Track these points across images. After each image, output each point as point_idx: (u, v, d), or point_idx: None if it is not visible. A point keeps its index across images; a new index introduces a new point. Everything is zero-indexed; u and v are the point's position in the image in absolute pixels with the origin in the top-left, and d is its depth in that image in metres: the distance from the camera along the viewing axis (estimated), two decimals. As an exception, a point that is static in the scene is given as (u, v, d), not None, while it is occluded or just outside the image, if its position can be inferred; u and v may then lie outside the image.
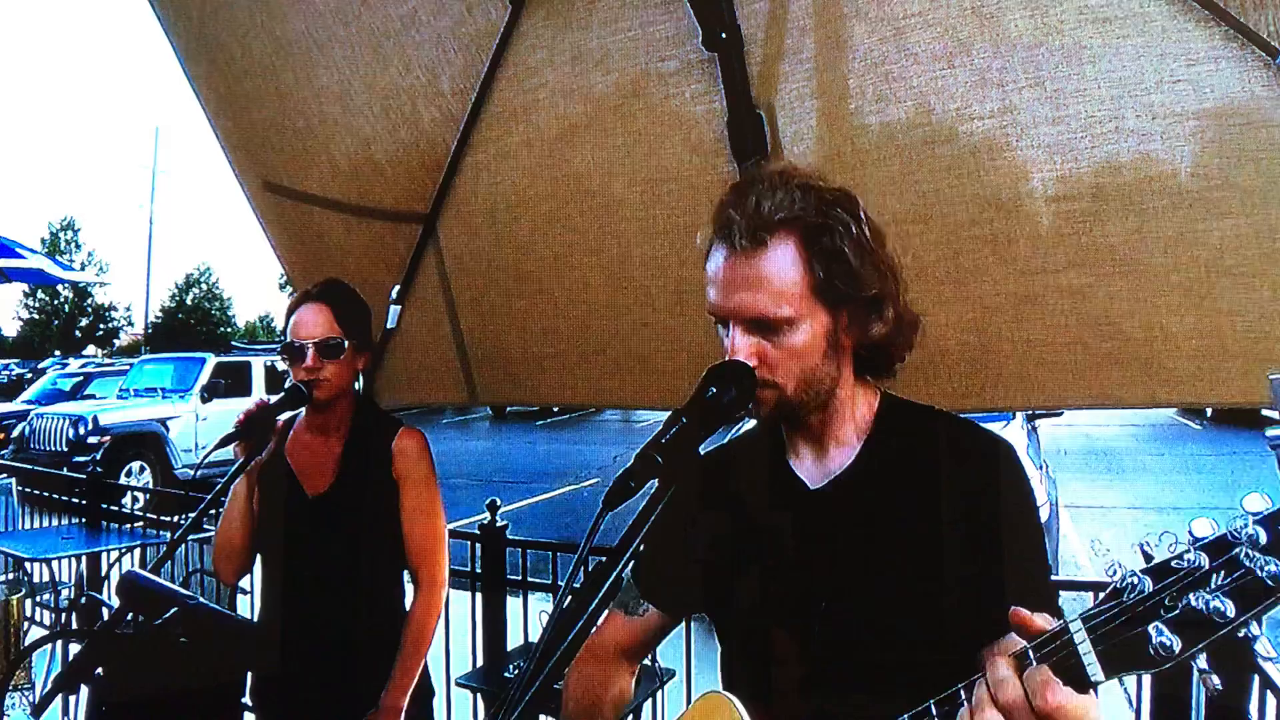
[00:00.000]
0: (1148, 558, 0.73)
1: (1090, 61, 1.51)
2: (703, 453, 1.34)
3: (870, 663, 1.03)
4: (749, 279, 1.04)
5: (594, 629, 1.34)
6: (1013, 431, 6.54)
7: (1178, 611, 0.69)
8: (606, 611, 1.35)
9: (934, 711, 0.85)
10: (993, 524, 1.03)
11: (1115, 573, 0.73)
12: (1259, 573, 0.66)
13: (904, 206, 1.73)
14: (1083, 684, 0.73)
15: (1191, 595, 0.68)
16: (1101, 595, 0.74)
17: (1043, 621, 0.77)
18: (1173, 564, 0.71)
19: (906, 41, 1.61)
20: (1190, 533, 0.71)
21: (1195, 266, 1.58)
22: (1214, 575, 0.68)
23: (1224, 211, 1.52)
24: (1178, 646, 0.68)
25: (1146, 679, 2.27)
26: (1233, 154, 1.48)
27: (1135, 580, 0.71)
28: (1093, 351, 1.72)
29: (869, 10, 1.63)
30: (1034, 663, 0.75)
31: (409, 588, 2.13)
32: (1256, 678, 1.95)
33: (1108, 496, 10.29)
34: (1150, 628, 0.69)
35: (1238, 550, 0.67)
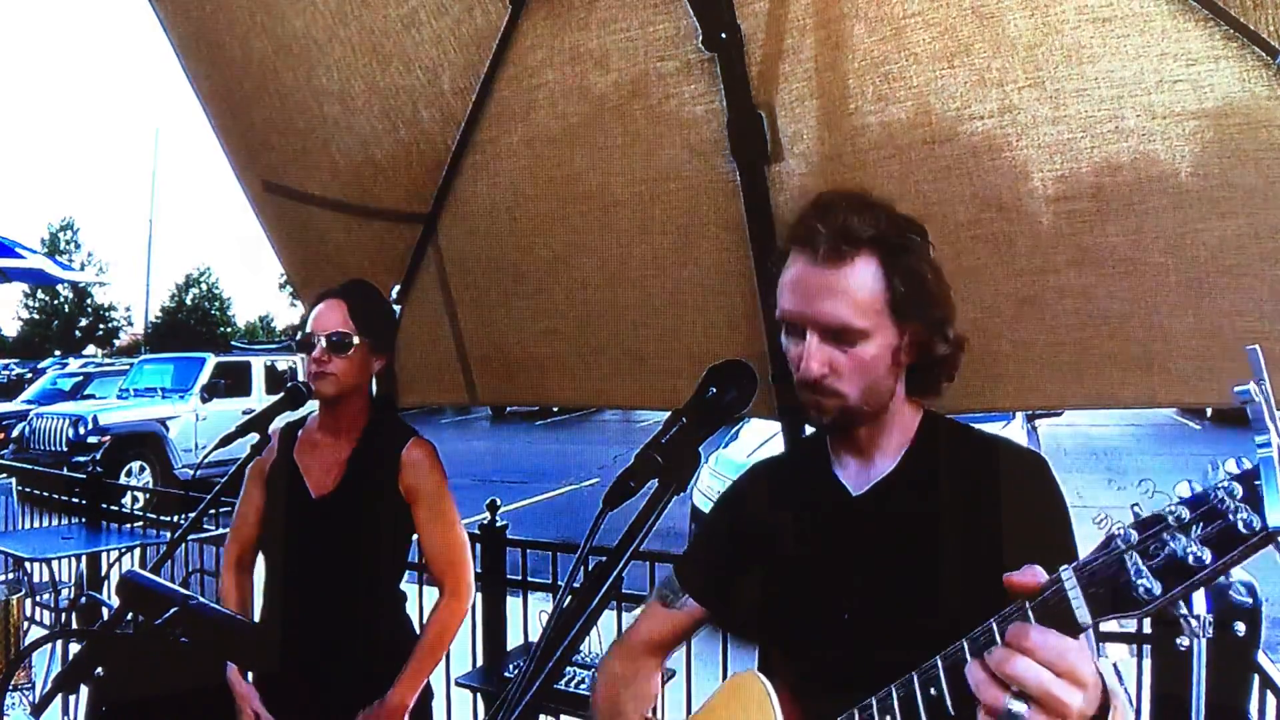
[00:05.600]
0: (1137, 515, 0.78)
1: (1090, 61, 1.50)
2: (756, 462, 1.40)
3: (896, 664, 1.04)
4: (833, 288, 1.09)
5: (630, 624, 1.39)
6: (1013, 431, 6.54)
7: (1161, 558, 0.74)
8: (645, 604, 1.41)
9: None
10: (1025, 536, 1.04)
11: (1105, 523, 0.78)
12: (1232, 518, 0.71)
13: (904, 206, 1.71)
14: (1072, 627, 0.78)
15: (1172, 542, 0.73)
16: (1094, 547, 0.80)
17: (1031, 576, 0.82)
18: (1156, 516, 0.76)
19: (906, 41, 1.61)
20: (1175, 493, 0.77)
21: (1195, 266, 1.57)
22: (1195, 525, 0.73)
23: (1224, 211, 1.52)
24: (1158, 589, 0.73)
25: (1147, 679, 2.27)
26: (1233, 154, 1.47)
27: (1121, 530, 0.77)
28: (1093, 351, 1.72)
29: (869, 10, 1.62)
30: (1029, 611, 0.80)
31: (408, 591, 2.13)
32: (1256, 678, 1.95)
33: (1108, 496, 10.29)
34: (1133, 573, 0.75)
35: (1216, 502, 0.73)
